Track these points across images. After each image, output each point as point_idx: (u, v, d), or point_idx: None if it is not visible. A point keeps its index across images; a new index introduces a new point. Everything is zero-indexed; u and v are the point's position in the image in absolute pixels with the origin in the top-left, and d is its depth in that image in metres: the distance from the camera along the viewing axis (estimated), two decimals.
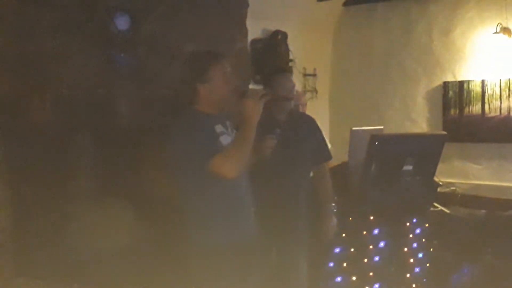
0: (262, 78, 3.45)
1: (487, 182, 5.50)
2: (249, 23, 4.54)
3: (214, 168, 2.58)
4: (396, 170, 3.57)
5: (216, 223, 2.72)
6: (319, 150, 3.57)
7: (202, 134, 2.66)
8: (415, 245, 3.75)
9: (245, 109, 2.65)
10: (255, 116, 2.65)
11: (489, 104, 5.58)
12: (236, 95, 2.74)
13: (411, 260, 3.72)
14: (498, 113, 5.52)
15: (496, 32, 5.42)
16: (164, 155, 2.77)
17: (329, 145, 4.95)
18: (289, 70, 3.78)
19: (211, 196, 2.70)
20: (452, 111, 5.81)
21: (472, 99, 5.69)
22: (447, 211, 4.50)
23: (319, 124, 3.94)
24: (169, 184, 2.84)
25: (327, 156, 3.63)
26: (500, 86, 5.52)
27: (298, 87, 5.80)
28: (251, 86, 4.88)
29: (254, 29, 4.96)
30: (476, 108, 5.66)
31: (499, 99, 5.51)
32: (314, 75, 6.15)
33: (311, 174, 3.59)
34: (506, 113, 5.48)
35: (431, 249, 3.85)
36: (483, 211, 4.62)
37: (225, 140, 2.75)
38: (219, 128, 2.78)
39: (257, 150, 3.07)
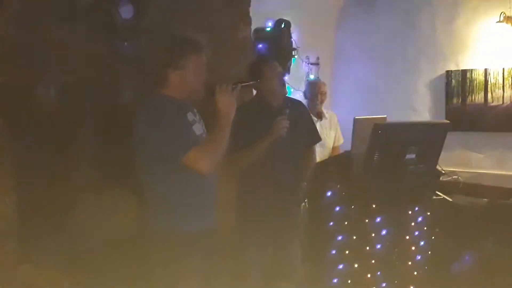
0: (249, 70, 3.48)
1: (489, 171, 5.51)
2: (252, 12, 4.54)
3: (189, 162, 2.53)
4: (399, 159, 3.58)
5: (181, 213, 2.68)
6: (310, 133, 3.82)
7: (176, 123, 2.60)
8: (417, 233, 3.76)
9: (220, 105, 2.62)
10: (231, 111, 2.64)
11: (492, 93, 5.58)
12: (207, 91, 2.69)
13: (413, 248, 3.73)
14: (501, 102, 5.53)
15: (499, 21, 5.40)
16: (132, 141, 2.70)
17: (342, 140, 5.13)
18: (270, 58, 3.85)
19: (179, 186, 2.65)
20: (455, 100, 5.81)
21: (475, 88, 5.69)
22: (450, 199, 4.51)
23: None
24: (136, 172, 2.77)
25: (317, 138, 3.90)
26: (503, 75, 5.51)
27: (302, 75, 5.84)
28: None
29: (258, 18, 4.95)
30: (479, 97, 5.66)
31: (502, 88, 5.51)
32: (317, 64, 6.15)
33: None
34: (508, 102, 5.48)
35: (433, 237, 3.86)
36: (485, 199, 4.63)
37: (197, 129, 2.72)
38: (190, 116, 2.73)
39: (273, 132, 3.20)
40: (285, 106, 3.51)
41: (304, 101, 4.86)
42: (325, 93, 5.24)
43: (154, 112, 2.64)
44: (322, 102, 5.19)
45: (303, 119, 3.75)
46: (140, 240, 2.83)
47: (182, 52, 2.68)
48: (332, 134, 5.18)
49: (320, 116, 5.08)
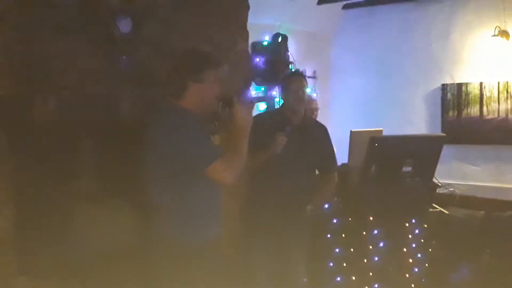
0: (278, 80, 3.49)
1: (485, 184, 5.54)
2: (249, 25, 4.57)
3: (214, 173, 2.56)
4: (396, 172, 3.61)
5: (195, 222, 2.69)
6: (325, 160, 3.64)
7: (198, 135, 2.62)
8: (414, 245, 3.78)
9: (239, 117, 2.62)
10: (248, 124, 2.65)
11: (487, 106, 5.62)
12: (225, 103, 2.70)
13: (410, 260, 3.75)
14: (496, 115, 5.56)
15: (494, 35, 5.46)
16: (146, 149, 2.71)
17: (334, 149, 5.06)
18: (301, 74, 3.81)
19: (194, 196, 2.66)
20: (451, 113, 5.85)
21: (470, 101, 5.73)
22: (446, 212, 4.53)
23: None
24: (148, 181, 2.77)
25: (331, 167, 3.68)
26: (498, 89, 5.56)
27: None
28: (253, 90, 4.93)
29: (255, 32, 4.98)
30: (474, 110, 5.70)
31: (497, 101, 5.55)
32: (314, 77, 6.19)
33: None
34: (504, 115, 5.52)
35: (430, 250, 3.87)
36: (482, 212, 4.65)
37: (215, 141, 2.80)
38: (207, 128, 2.79)
39: (269, 147, 3.16)
40: (301, 124, 3.51)
41: None
42: (317, 109, 5.05)
43: (176, 122, 2.64)
44: (315, 117, 5.00)
45: (319, 143, 3.65)
46: (146, 249, 2.83)
47: (203, 66, 2.71)
48: None
49: None
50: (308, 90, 5.65)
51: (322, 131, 3.72)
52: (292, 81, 3.61)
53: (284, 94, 3.64)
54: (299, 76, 3.71)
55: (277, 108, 3.71)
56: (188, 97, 2.69)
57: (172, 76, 2.78)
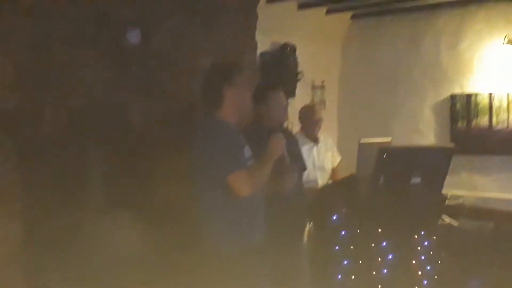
0: (255, 94, 3.44)
1: (495, 195, 5.50)
2: (258, 36, 4.59)
3: (233, 181, 2.65)
4: (404, 183, 3.59)
5: (229, 232, 2.76)
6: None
7: (229, 142, 2.73)
8: (423, 257, 3.75)
9: (273, 145, 2.78)
10: (278, 153, 2.81)
11: (496, 117, 5.60)
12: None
13: (419, 273, 3.72)
14: (505, 126, 5.54)
15: (504, 44, 5.44)
16: (185, 164, 2.83)
17: (339, 158, 5.04)
18: (279, 88, 3.77)
19: (227, 206, 2.74)
20: (460, 123, 5.83)
21: (479, 111, 5.71)
22: (455, 223, 4.50)
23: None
24: (187, 193, 2.89)
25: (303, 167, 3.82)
26: (508, 99, 5.54)
27: (307, 99, 5.85)
28: None
29: (263, 42, 5.00)
30: (483, 121, 5.68)
31: (506, 112, 5.53)
32: (323, 87, 6.19)
33: None
34: None
35: (439, 262, 3.85)
36: (491, 223, 4.63)
37: (247, 152, 2.84)
38: (242, 139, 2.85)
39: (279, 187, 3.22)
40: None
41: (299, 126, 4.87)
42: (322, 119, 4.92)
43: (207, 134, 2.77)
44: (319, 128, 4.88)
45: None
46: (151, 260, 2.88)
47: (234, 70, 2.84)
48: (329, 155, 5.04)
49: (316, 140, 4.86)
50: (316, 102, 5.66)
51: (293, 141, 3.78)
52: (271, 95, 3.60)
53: (262, 106, 3.56)
54: (279, 90, 3.68)
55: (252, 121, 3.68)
56: (226, 104, 2.79)
57: (207, 85, 2.87)
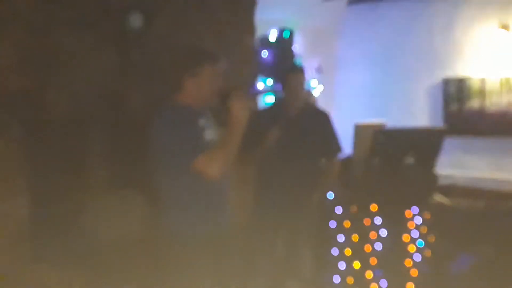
0: (276, 76, 3.54)
1: (486, 175, 5.62)
2: (257, 20, 4.64)
3: (198, 167, 2.59)
4: (399, 163, 3.68)
5: (195, 214, 2.74)
6: (327, 143, 3.81)
7: (187, 130, 2.65)
8: (415, 233, 3.85)
9: (235, 111, 2.62)
10: (244, 119, 2.64)
11: (489, 99, 5.68)
12: (222, 96, 2.71)
13: (412, 248, 3.83)
14: (497, 108, 5.63)
15: (496, 29, 5.50)
16: (148, 149, 2.77)
17: None
18: (301, 69, 3.81)
19: (192, 190, 2.72)
20: (453, 106, 5.92)
21: (472, 94, 5.79)
22: (448, 202, 4.60)
23: None
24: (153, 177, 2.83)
25: (336, 148, 3.86)
26: (500, 82, 5.61)
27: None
28: (259, 83, 5.01)
29: (262, 27, 5.06)
30: (476, 103, 5.76)
31: (498, 95, 5.61)
32: (320, 71, 6.27)
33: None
34: (505, 108, 5.58)
35: (431, 238, 3.94)
36: (482, 202, 4.72)
37: (209, 135, 2.78)
38: (202, 122, 2.79)
39: (262, 142, 3.25)
40: (300, 115, 3.64)
41: None
42: (315, 102, 5.12)
43: (168, 120, 2.71)
44: None
45: (319, 130, 3.79)
46: (154, 240, 2.89)
47: (198, 61, 2.77)
48: None
49: None
50: (314, 83, 5.77)
51: (322, 118, 3.85)
52: (291, 77, 3.69)
53: (283, 89, 3.73)
54: (298, 71, 3.77)
55: (277, 103, 3.82)
56: (185, 91, 2.76)
57: (169, 71, 2.87)
